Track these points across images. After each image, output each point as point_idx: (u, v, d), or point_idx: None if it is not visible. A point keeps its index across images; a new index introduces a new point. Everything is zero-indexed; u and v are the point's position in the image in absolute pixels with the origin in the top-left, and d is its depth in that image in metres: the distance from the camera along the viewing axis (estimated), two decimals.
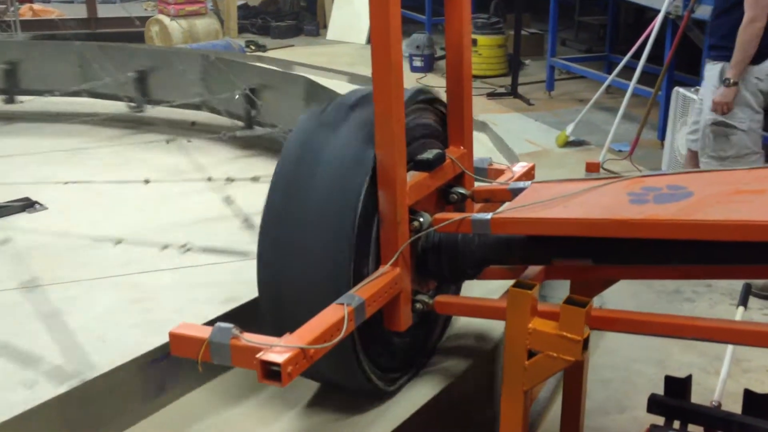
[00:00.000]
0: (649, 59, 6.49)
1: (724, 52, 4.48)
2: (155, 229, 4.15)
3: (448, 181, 2.49)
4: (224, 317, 2.42)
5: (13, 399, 2.52)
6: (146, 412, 2.45)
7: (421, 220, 2.28)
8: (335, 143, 2.21)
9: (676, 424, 2.27)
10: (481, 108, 8.08)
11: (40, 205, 4.57)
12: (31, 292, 3.44)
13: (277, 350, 1.79)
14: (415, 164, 2.33)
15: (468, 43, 2.48)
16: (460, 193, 2.52)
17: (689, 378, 2.37)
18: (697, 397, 3.12)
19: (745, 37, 4.30)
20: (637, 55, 6.59)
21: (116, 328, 3.12)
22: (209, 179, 4.95)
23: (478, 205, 2.65)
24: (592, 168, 2.66)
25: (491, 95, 8.67)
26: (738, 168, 2.54)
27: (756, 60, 4.37)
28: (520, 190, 2.40)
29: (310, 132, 2.28)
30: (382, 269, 2.19)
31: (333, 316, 1.96)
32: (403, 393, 2.49)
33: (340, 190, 2.14)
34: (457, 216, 2.24)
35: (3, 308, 3.30)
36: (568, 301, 1.95)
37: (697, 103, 5.00)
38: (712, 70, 4.62)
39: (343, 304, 2.00)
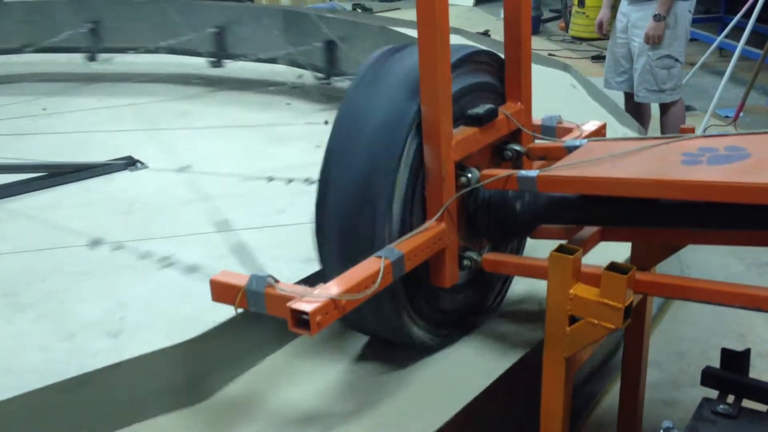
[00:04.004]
0: (762, 19, 6.14)
1: None
2: (249, 188, 4.25)
3: (503, 137, 2.45)
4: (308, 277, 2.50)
5: (99, 346, 2.66)
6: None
7: (469, 176, 2.26)
8: (380, 97, 2.22)
9: (730, 399, 2.18)
10: (584, 71, 7.75)
11: (142, 163, 4.75)
12: (123, 248, 3.60)
13: (307, 299, 1.83)
14: (465, 119, 2.31)
15: None
16: (515, 150, 2.48)
17: (747, 351, 2.27)
18: None
19: None
20: (749, 15, 6.25)
21: (200, 283, 3.24)
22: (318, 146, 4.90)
23: (538, 163, 2.60)
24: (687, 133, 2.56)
25: (596, 58, 8.42)
26: None
27: None
28: (576, 147, 2.34)
29: (358, 89, 2.29)
30: (426, 224, 2.19)
31: (369, 268, 1.97)
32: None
33: (382, 145, 2.15)
34: (503, 172, 2.21)
35: (95, 262, 3.47)
36: (610, 267, 1.88)
37: (619, 48, 5.24)
38: (642, 10, 4.98)
39: (381, 257, 2.01)
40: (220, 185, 4.36)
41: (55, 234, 3.76)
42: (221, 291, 2.00)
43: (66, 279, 3.28)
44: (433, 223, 2.19)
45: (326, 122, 4.82)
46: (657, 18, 4.85)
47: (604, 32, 5.46)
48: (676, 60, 4.99)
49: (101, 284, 3.23)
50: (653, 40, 4.90)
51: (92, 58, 6.81)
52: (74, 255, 3.52)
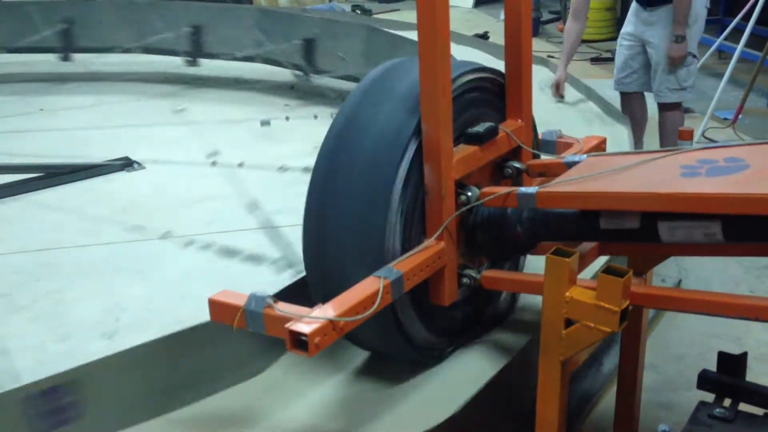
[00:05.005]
0: (761, 21, 6.13)
1: None
2: (246, 192, 4.24)
3: (503, 154, 2.44)
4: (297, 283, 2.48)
5: (94, 348, 2.65)
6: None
7: (469, 194, 2.26)
8: (379, 113, 2.21)
9: (727, 402, 2.18)
10: (583, 73, 7.82)
11: (139, 164, 4.74)
12: (118, 248, 3.59)
13: (306, 321, 1.82)
14: (465, 137, 2.30)
15: (527, 10, 2.42)
16: (515, 167, 2.47)
17: (744, 355, 2.27)
18: None
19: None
20: (749, 17, 6.24)
21: (193, 284, 3.24)
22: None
23: (538, 179, 2.59)
24: (685, 136, 2.54)
25: (595, 60, 8.41)
26: None
27: None
28: (575, 163, 2.34)
29: (356, 102, 2.28)
30: (426, 243, 2.19)
31: (368, 288, 1.97)
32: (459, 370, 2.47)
33: (380, 163, 2.14)
34: (502, 190, 2.21)
35: (91, 263, 3.46)
36: (607, 271, 1.87)
37: (628, 49, 5.13)
38: (664, 11, 4.81)
39: (380, 277, 2.01)
40: (216, 185, 4.36)
41: (51, 234, 3.75)
42: (220, 311, 2.00)
43: (62, 280, 3.28)
44: (433, 242, 2.18)
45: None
46: (679, 39, 4.78)
47: (561, 93, 5.26)
48: (694, 56, 4.96)
49: (97, 285, 3.22)
50: (678, 62, 4.85)
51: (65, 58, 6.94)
52: (70, 255, 3.52)
